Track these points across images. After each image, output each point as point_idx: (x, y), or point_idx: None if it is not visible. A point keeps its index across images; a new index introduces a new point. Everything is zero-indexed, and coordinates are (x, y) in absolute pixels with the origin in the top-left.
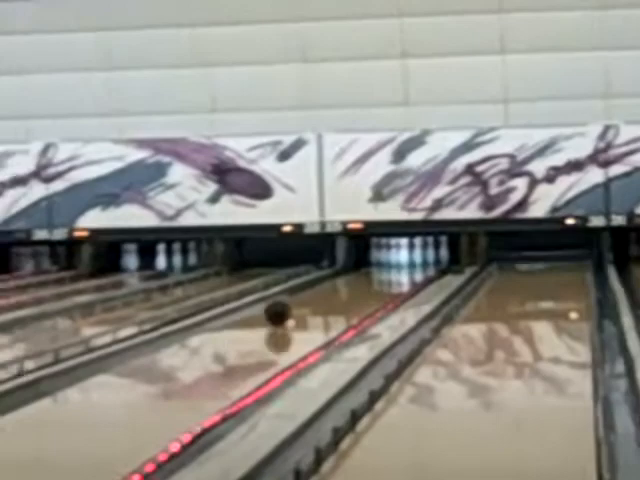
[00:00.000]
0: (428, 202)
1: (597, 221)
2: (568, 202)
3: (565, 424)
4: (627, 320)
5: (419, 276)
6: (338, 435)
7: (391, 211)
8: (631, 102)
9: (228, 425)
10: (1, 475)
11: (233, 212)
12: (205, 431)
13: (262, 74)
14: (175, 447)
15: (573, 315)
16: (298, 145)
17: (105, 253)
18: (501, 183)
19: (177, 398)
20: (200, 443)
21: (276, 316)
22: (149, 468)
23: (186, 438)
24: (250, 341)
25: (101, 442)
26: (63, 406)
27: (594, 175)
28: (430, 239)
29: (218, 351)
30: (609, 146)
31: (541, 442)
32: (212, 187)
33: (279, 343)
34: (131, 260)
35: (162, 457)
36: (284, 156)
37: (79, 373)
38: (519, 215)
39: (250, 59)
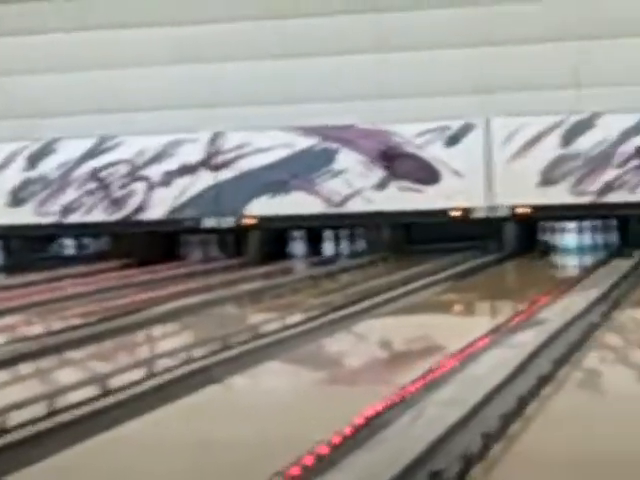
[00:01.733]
0: (597, 185)
1: None
2: None
3: None
4: None
5: (588, 260)
6: (506, 421)
7: (560, 195)
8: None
9: (395, 411)
10: (171, 458)
11: (400, 198)
12: (372, 417)
13: (429, 59)
14: (345, 431)
15: None
16: (466, 130)
17: (273, 240)
18: None
19: (344, 384)
20: (368, 429)
21: None
22: (322, 450)
23: (355, 422)
24: (417, 327)
25: (270, 427)
26: (232, 392)
27: None
28: (599, 223)
29: (385, 337)
30: None
31: None
32: (379, 173)
33: (446, 329)
34: (298, 247)
35: (335, 440)
36: (452, 141)
37: (247, 360)
38: None
39: (419, 45)
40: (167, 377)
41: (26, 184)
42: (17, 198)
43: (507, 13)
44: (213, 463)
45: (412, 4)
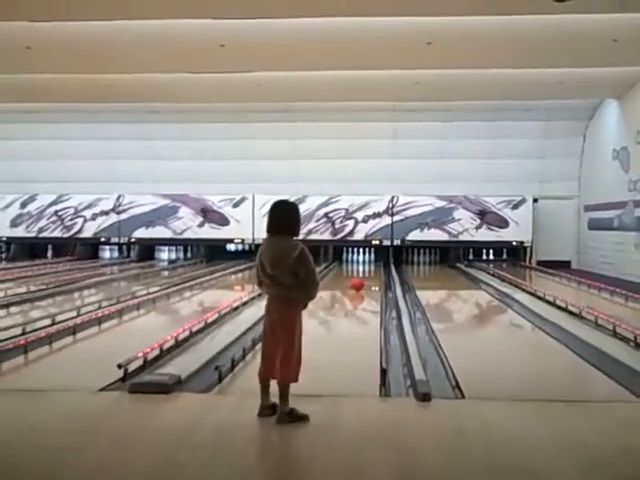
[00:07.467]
0: (305, 230)
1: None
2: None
3: (366, 340)
4: (398, 290)
5: None
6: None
7: None
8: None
9: (198, 335)
10: None
11: (212, 232)
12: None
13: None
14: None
15: (374, 287)
16: (243, 199)
17: (148, 250)
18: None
19: (176, 320)
20: (185, 342)
21: None
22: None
23: (175, 336)
24: (215, 295)
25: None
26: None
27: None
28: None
29: (199, 298)
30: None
31: (355, 349)
32: (200, 218)
33: (224, 295)
34: (163, 254)
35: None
36: (237, 204)
37: (132, 308)
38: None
39: None
40: None
41: (20, 216)
42: (15, 223)
43: None
44: None
45: None
